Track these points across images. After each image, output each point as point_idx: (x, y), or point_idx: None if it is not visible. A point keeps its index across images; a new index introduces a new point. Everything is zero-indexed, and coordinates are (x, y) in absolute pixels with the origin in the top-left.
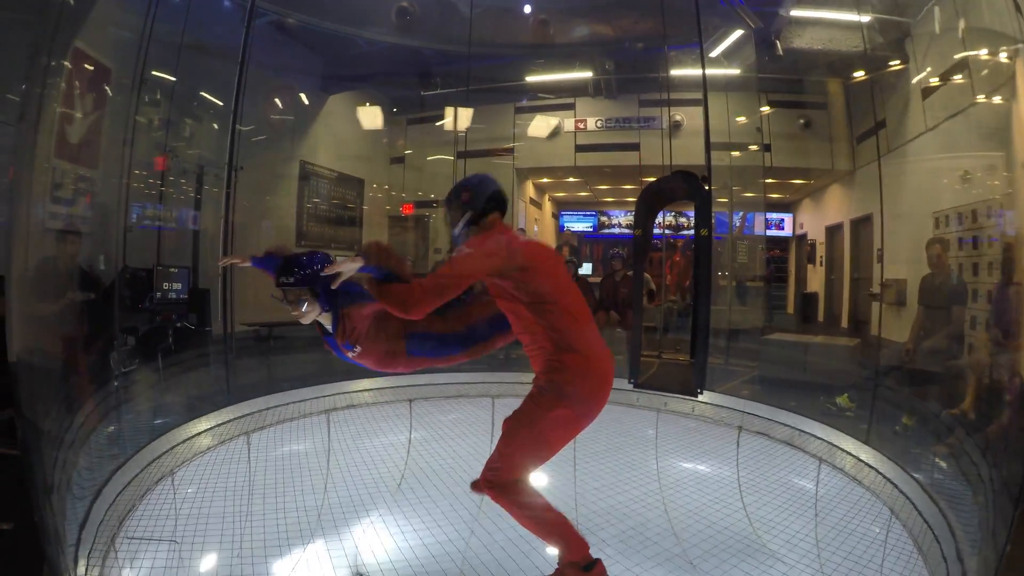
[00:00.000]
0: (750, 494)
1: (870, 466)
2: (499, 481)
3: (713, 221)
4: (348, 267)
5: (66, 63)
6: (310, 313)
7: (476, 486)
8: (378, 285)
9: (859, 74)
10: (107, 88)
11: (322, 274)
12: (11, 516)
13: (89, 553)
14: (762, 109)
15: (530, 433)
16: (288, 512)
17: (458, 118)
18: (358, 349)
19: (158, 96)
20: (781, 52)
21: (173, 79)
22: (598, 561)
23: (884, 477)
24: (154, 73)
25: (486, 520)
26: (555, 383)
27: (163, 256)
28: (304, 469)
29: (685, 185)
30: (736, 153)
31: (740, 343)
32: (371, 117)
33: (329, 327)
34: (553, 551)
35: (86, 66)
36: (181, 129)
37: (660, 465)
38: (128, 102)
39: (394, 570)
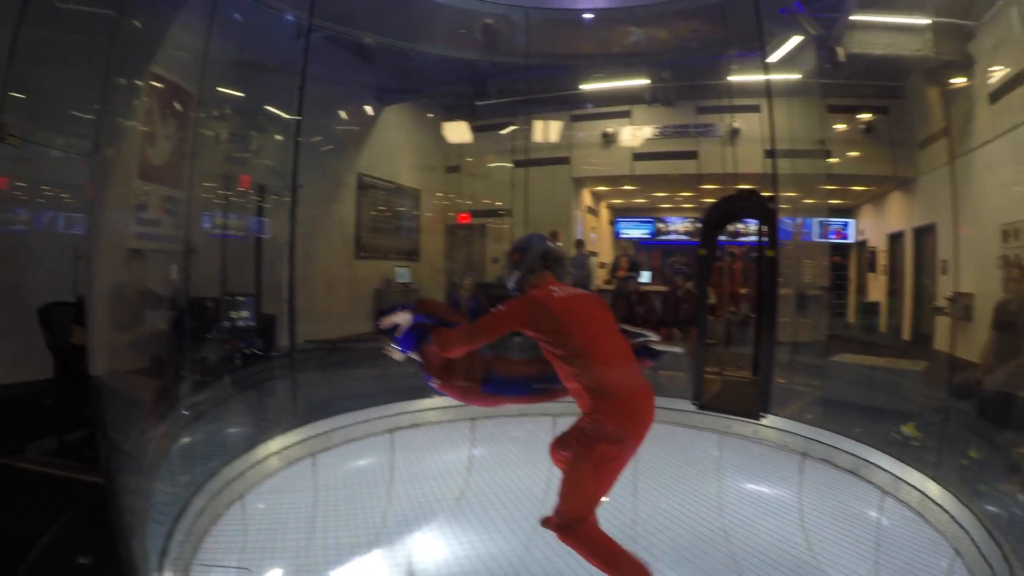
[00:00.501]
0: (813, 527)
1: (936, 503)
2: (565, 522)
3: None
4: (401, 318)
5: (145, 84)
6: (394, 353)
7: (547, 523)
8: (433, 329)
9: (921, 79)
10: (185, 109)
11: (380, 326)
12: (90, 547)
13: None
14: (856, 115)
15: (581, 472)
16: (351, 529)
17: (549, 130)
18: (437, 382)
19: (227, 111)
20: (843, 58)
21: (239, 94)
22: None
23: (949, 515)
24: (219, 90)
25: (540, 539)
26: (595, 424)
27: (228, 276)
28: (368, 489)
29: (751, 204)
30: (832, 160)
31: (803, 357)
32: (455, 130)
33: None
34: None
35: (165, 88)
36: (248, 144)
37: (722, 490)
38: (195, 119)
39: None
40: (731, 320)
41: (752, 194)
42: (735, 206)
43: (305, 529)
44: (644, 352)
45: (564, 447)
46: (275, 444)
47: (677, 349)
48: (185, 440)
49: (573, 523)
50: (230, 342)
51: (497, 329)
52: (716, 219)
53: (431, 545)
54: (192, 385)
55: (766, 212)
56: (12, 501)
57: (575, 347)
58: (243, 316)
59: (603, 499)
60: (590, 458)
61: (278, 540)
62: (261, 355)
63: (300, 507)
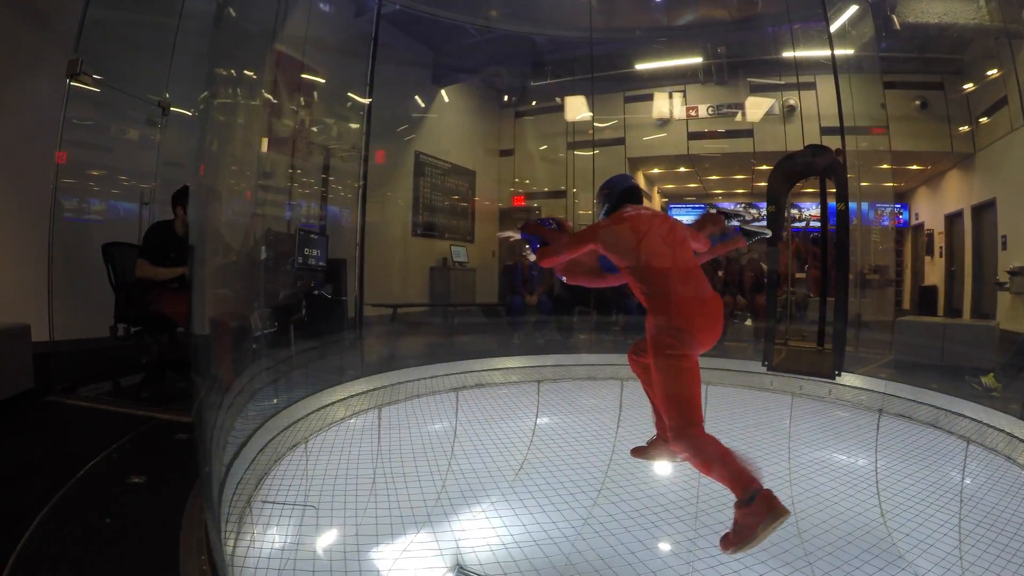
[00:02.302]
0: (888, 485)
1: None
2: (676, 429)
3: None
4: (512, 233)
5: (235, 71)
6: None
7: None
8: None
9: (978, 48)
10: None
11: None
12: (142, 471)
13: (228, 512)
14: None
15: (661, 373)
16: (410, 490)
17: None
18: (564, 278)
19: (303, 87)
20: (898, 26)
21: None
22: (758, 493)
23: None
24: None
25: (600, 511)
26: (651, 320)
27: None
28: (430, 446)
29: (820, 159)
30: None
31: (868, 333)
32: (575, 107)
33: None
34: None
35: (285, 68)
36: (328, 129)
37: (792, 452)
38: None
39: (506, 550)
40: (790, 300)
41: (821, 148)
42: (803, 161)
43: (365, 483)
44: (737, 232)
45: (640, 353)
46: (341, 391)
47: (768, 232)
48: (254, 374)
49: (684, 428)
50: (303, 279)
51: (578, 245)
52: (785, 173)
53: (491, 513)
54: (262, 321)
55: (835, 166)
56: (61, 432)
57: (636, 256)
58: (315, 255)
59: (699, 402)
60: (661, 356)
61: (337, 495)
62: (329, 298)
63: (361, 463)
